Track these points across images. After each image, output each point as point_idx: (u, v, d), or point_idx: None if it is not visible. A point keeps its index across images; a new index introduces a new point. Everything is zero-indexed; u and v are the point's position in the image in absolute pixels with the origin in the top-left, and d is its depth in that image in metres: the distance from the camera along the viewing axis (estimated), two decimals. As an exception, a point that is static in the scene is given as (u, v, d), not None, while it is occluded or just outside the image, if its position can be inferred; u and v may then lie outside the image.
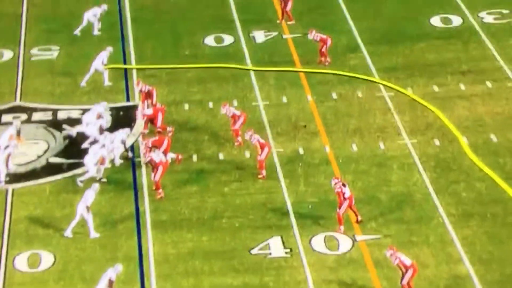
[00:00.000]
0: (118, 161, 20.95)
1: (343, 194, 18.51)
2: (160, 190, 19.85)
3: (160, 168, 19.75)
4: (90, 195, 18.76)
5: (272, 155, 21.04)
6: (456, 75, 23.82)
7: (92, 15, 25.74)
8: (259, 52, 25.13)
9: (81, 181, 20.16)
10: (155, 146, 20.60)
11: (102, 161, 20.27)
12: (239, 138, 21.46)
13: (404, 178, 20.23)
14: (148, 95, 22.48)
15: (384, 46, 25.14)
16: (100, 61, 23.56)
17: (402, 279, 16.85)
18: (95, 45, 25.27)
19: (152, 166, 19.92)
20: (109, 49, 23.78)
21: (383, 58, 24.61)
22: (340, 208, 18.56)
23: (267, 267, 17.85)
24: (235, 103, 22.94)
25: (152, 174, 19.91)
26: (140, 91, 22.65)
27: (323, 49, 24.11)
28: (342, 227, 18.61)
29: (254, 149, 20.84)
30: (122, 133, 21.08)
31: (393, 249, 17.05)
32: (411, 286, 16.97)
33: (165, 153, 20.23)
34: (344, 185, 18.65)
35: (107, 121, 21.89)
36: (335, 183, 18.68)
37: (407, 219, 18.96)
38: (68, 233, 18.72)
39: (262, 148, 20.33)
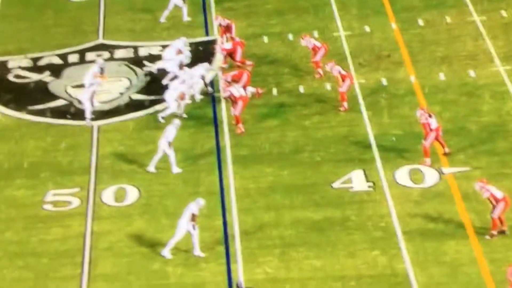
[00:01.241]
0: (198, 97, 20.85)
1: (429, 125, 17.66)
2: (240, 125, 19.66)
3: (240, 103, 19.50)
4: (171, 131, 18.81)
5: (354, 87, 20.34)
6: (556, -5, 22.10)
7: None
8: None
9: (163, 117, 20.26)
10: (235, 80, 20.31)
11: (182, 97, 20.23)
12: (320, 70, 20.84)
13: (496, 107, 19.16)
14: (226, 29, 22.10)
15: (475, -36, 23.66)
16: None
17: (492, 212, 16.04)
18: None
19: (232, 100, 19.69)
20: None
21: (475, -22, 23.17)
22: (426, 139, 17.74)
23: (349, 201, 17.46)
24: (316, 34, 22.20)
25: (232, 109, 19.70)
26: (219, 25, 22.28)
27: None
28: (428, 160, 17.83)
29: (335, 81, 20.20)
30: (201, 68, 20.90)
31: (483, 182, 16.19)
32: (502, 220, 16.14)
33: (244, 87, 19.93)
34: (430, 115, 17.78)
35: (186, 56, 21.76)
36: (421, 114, 17.84)
37: (499, 151, 18.01)
38: (151, 168, 18.94)
39: (343, 79, 19.65)
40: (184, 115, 20.32)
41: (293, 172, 18.40)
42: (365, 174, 18.03)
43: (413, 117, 19.06)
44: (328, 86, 20.64)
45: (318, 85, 20.76)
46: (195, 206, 16.86)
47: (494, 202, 16.11)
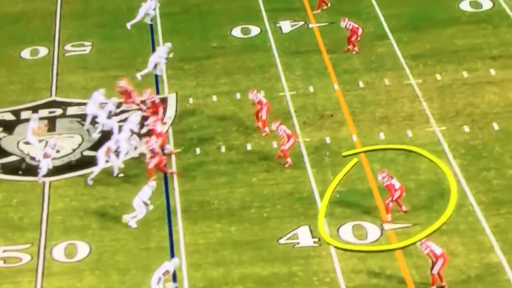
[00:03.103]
0: (124, 152, 20.54)
1: (394, 186, 18.29)
2: (153, 179, 19.85)
3: (156, 158, 19.89)
4: (146, 191, 18.91)
5: (299, 145, 21.16)
6: (486, 60, 23.50)
7: (146, 9, 25.56)
8: (285, 42, 25.25)
9: (91, 179, 20.25)
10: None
11: (107, 152, 20.24)
12: (267, 129, 21.65)
13: (433, 166, 20.09)
14: (154, 106, 21.95)
15: (412, 32, 24.91)
16: (158, 56, 23.52)
17: (432, 268, 16.78)
18: (125, 40, 25.72)
19: (151, 154, 19.97)
20: (168, 45, 23.76)
21: (411, 45, 24.40)
22: (392, 198, 18.27)
23: (295, 257, 18.00)
24: (262, 93, 22.97)
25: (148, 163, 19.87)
26: (153, 102, 21.95)
27: (353, 38, 24.01)
28: (389, 216, 18.33)
29: (281, 139, 21.00)
30: (131, 123, 20.88)
31: (423, 238, 16.98)
32: (441, 276, 16.87)
33: (161, 146, 20.16)
34: (391, 177, 18.42)
35: (114, 103, 21.65)
36: (383, 177, 18.43)
37: (436, 208, 18.84)
38: (132, 223, 18.93)
39: (288, 138, 20.43)
40: (120, 175, 20.54)
41: (241, 228, 18.91)
42: (310, 230, 18.66)
43: (356, 174, 19.97)
44: (274, 144, 21.42)
45: (265, 143, 21.50)
46: (171, 265, 17.01)
47: (433, 259, 16.83)
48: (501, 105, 21.91)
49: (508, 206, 18.69)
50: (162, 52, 23.74)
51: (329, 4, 26.13)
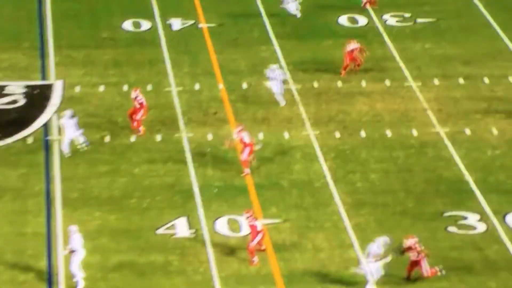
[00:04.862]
0: None
1: (255, 227, 18.33)
2: None
3: None
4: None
5: (182, 139, 21.83)
6: (358, 73, 25.22)
7: None
8: (175, 40, 25.86)
9: None
10: None
11: None
12: (141, 128, 21.86)
13: (305, 166, 21.28)
14: None
15: (295, 41, 26.25)
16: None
17: (416, 265, 17.30)
18: (13, 22, 25.25)
19: None
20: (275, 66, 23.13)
21: (293, 52, 25.68)
22: (253, 240, 18.23)
23: (172, 247, 18.51)
24: (149, 87, 23.56)
25: None
26: None
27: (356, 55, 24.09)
28: (255, 258, 18.23)
29: (167, 133, 21.54)
30: None
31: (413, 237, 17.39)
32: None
33: None
34: (255, 218, 18.50)
35: None
36: (248, 216, 18.45)
37: (306, 206, 19.93)
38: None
39: (244, 146, 20.47)
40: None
41: (120, 217, 19.22)
42: (188, 221, 19.35)
43: (234, 171, 20.89)
44: (158, 137, 22.00)
45: (149, 135, 22.02)
46: (376, 245, 17.12)
47: (420, 256, 17.31)
48: (369, 114, 23.57)
49: (368, 207, 20.04)
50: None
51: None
